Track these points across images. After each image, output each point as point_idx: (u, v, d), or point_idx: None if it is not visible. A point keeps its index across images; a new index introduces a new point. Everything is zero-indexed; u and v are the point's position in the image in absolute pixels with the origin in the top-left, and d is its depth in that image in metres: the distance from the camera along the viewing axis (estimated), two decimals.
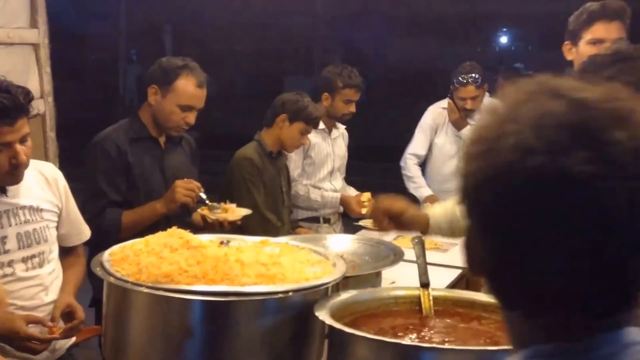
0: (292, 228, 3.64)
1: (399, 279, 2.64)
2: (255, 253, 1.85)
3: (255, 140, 3.47)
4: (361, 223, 3.80)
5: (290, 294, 1.66)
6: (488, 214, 0.81)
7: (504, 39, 12.18)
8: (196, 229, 3.00)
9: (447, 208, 2.11)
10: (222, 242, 2.00)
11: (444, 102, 4.37)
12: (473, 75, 4.17)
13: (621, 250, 0.77)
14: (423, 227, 2.10)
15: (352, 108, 3.87)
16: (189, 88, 2.89)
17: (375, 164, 7.92)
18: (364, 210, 3.73)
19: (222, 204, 2.94)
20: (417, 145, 4.41)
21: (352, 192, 4.08)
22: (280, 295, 1.66)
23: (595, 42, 2.78)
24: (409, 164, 4.37)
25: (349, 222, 4.00)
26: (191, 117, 2.93)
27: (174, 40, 13.14)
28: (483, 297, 1.91)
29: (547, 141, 0.77)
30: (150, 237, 1.89)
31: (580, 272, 0.77)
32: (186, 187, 2.79)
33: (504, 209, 0.79)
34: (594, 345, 0.80)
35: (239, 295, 1.64)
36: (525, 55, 12.35)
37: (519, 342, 0.86)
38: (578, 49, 2.85)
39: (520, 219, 0.78)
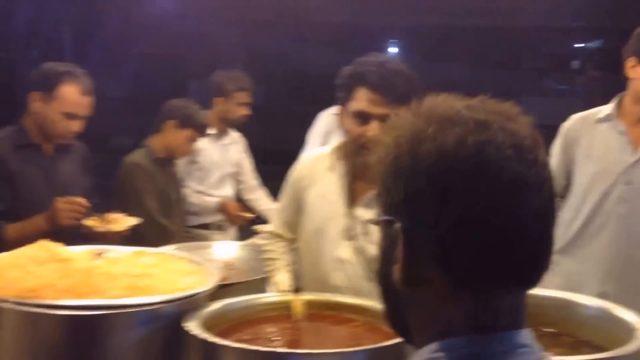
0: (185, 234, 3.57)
1: None
2: (127, 264, 1.78)
3: (144, 146, 3.36)
4: (255, 228, 3.77)
5: (159, 305, 1.61)
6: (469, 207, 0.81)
7: (393, 50, 12.47)
8: (88, 239, 2.90)
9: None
10: (98, 254, 1.92)
11: (335, 109, 4.38)
12: None
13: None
14: None
15: (245, 110, 3.84)
16: (74, 95, 2.76)
17: (274, 167, 7.89)
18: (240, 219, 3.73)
19: (109, 215, 2.83)
20: (311, 148, 4.42)
21: (264, 203, 3.99)
22: (149, 307, 1.60)
23: None
24: None
25: (243, 227, 3.95)
26: (77, 125, 2.81)
27: (75, 42, 12.65)
28: (351, 299, 1.92)
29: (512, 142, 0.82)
30: (16, 251, 1.78)
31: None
32: (68, 208, 2.63)
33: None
34: (501, 339, 0.83)
35: (106, 308, 1.57)
36: (413, 66, 12.68)
37: (427, 336, 0.86)
38: None
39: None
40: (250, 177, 4.05)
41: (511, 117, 0.85)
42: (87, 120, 2.84)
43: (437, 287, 0.84)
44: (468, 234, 0.81)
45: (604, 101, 2.75)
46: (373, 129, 1.90)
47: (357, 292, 1.98)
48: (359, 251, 2.03)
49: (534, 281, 0.86)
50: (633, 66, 2.55)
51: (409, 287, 0.86)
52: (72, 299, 1.57)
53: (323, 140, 4.38)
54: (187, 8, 8.94)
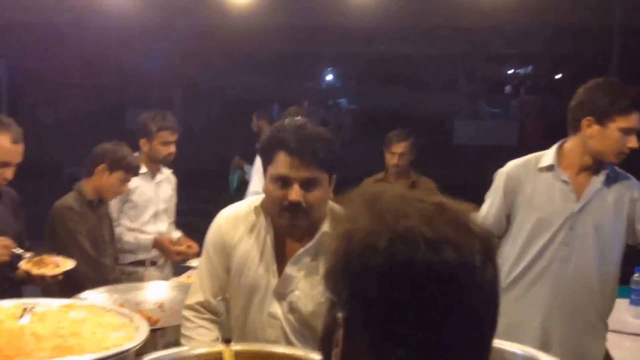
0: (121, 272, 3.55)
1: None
2: (55, 322, 1.79)
3: (75, 190, 3.35)
4: (188, 263, 3.78)
5: None
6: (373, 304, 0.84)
7: (329, 77, 12.67)
8: (20, 283, 2.87)
9: None
10: (25, 309, 1.91)
11: None
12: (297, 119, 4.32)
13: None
14: None
15: (172, 149, 3.87)
16: (5, 144, 2.77)
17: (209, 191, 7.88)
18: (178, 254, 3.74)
19: (46, 257, 2.82)
20: (257, 183, 4.51)
21: (177, 235, 4.02)
22: None
23: (628, 131, 2.59)
24: None
25: (176, 263, 3.96)
26: (8, 173, 2.82)
27: (9, 74, 12.38)
28: (282, 349, 1.96)
29: (444, 236, 0.84)
30: None
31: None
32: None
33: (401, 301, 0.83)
34: None
35: None
36: (348, 90, 12.91)
37: None
38: (605, 130, 2.61)
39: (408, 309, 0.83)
40: (172, 216, 4.08)
41: (465, 226, 0.87)
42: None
43: None
44: (405, 346, 0.84)
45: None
46: (295, 192, 1.93)
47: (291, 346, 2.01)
48: (292, 308, 2.05)
49: None
50: (589, 125, 2.62)
51: None
52: None
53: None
54: (126, 39, 8.90)
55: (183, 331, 2.16)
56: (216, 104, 12.06)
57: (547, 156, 2.74)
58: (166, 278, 3.74)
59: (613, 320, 2.91)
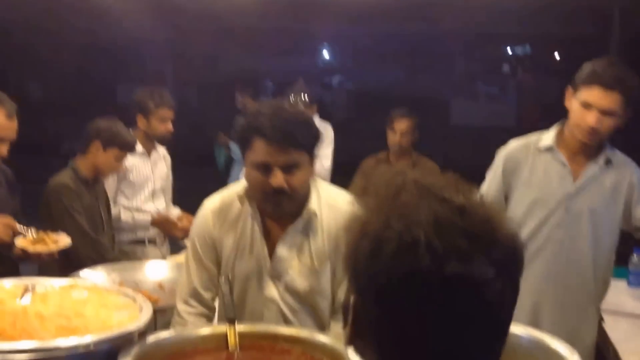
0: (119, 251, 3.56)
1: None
2: (58, 302, 1.79)
3: (70, 167, 3.34)
4: (185, 241, 3.79)
5: (92, 346, 1.62)
6: (396, 307, 0.86)
7: (325, 55, 12.61)
8: (17, 260, 2.88)
9: None
10: (26, 289, 1.91)
11: None
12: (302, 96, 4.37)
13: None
14: None
15: (169, 125, 3.87)
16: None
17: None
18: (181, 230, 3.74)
19: (42, 234, 2.82)
20: None
21: (176, 213, 4.04)
22: (82, 348, 1.62)
23: (587, 105, 2.55)
24: None
25: (175, 240, 3.97)
26: (3, 149, 2.81)
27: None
28: (285, 330, 1.98)
29: (453, 247, 0.83)
30: None
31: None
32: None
33: (411, 305, 0.85)
34: None
35: (38, 351, 1.57)
36: (345, 70, 12.87)
37: None
38: (572, 102, 2.61)
39: (427, 314, 0.84)
40: (169, 194, 4.09)
41: (488, 237, 0.85)
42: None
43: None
44: (401, 347, 0.87)
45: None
46: (276, 178, 1.93)
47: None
48: (288, 288, 2.08)
49: None
50: (568, 97, 2.62)
51: (354, 349, 0.94)
52: (2, 342, 1.58)
53: None
54: (117, 13, 8.80)
55: (172, 326, 2.18)
56: (209, 80, 11.98)
57: (547, 137, 2.74)
58: (164, 257, 3.76)
59: (611, 302, 2.94)
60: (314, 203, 2.05)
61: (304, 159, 1.97)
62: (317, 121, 4.35)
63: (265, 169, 1.94)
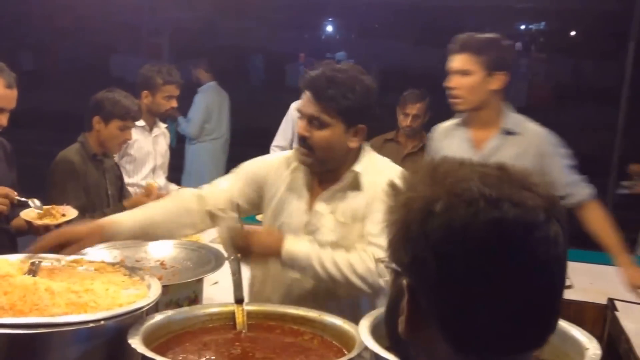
0: None
1: (221, 278, 2.71)
2: (66, 277, 1.84)
3: (79, 141, 3.37)
4: None
5: (102, 322, 1.68)
6: (453, 269, 0.88)
7: (329, 28, 12.57)
8: (17, 233, 2.92)
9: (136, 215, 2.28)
10: (32, 264, 1.97)
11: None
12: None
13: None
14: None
15: (174, 103, 3.92)
16: None
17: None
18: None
19: (47, 207, 2.86)
20: (279, 138, 4.69)
21: (174, 189, 4.08)
22: (92, 324, 1.67)
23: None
24: None
25: None
26: (2, 119, 2.84)
27: None
28: (292, 309, 2.04)
29: (502, 193, 0.88)
30: None
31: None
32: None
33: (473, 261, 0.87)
34: None
35: (49, 326, 1.62)
36: (348, 44, 12.85)
37: None
38: None
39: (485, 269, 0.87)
40: (166, 171, 4.14)
41: (526, 186, 0.90)
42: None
43: (439, 346, 0.92)
44: (469, 306, 0.89)
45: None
46: (301, 126, 2.19)
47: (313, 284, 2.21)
48: (317, 244, 2.18)
49: (537, 345, 0.93)
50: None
51: (413, 339, 0.96)
52: (12, 317, 1.63)
53: (292, 128, 4.55)
54: None
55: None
56: (208, 52, 11.96)
57: (459, 115, 3.00)
58: None
59: (623, 290, 3.00)
60: (358, 167, 2.23)
61: (336, 124, 2.14)
62: None
63: (301, 117, 2.19)
